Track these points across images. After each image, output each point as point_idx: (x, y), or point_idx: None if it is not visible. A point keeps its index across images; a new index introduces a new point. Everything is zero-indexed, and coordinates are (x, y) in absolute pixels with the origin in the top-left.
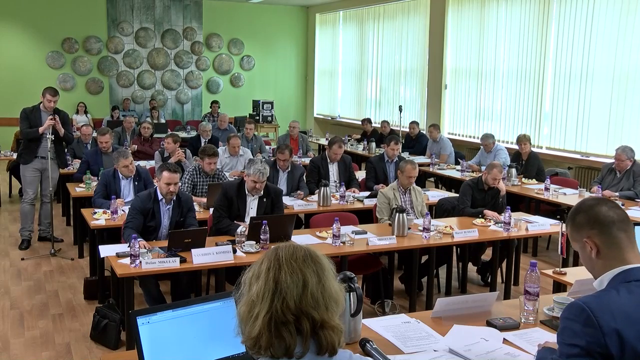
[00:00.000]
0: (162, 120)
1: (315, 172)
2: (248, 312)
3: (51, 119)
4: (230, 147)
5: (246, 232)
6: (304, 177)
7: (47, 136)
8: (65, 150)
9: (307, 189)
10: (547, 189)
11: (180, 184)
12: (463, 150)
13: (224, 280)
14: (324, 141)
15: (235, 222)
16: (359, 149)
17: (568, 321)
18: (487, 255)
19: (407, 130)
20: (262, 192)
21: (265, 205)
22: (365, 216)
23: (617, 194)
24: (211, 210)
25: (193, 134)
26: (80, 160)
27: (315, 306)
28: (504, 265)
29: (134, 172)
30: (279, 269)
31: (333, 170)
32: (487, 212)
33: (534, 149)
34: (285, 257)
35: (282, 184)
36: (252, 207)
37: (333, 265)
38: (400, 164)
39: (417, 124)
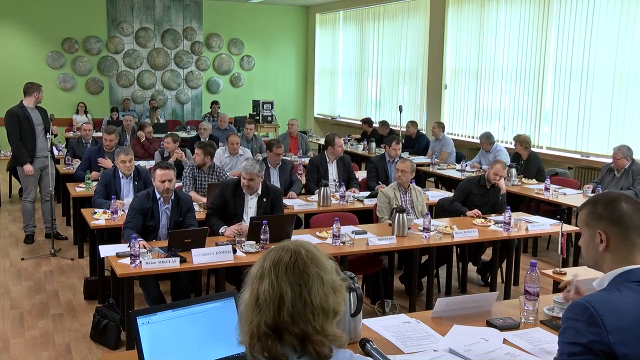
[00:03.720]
0: (162, 120)
1: (314, 170)
2: (240, 319)
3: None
4: (229, 144)
5: (226, 232)
6: (305, 175)
7: (48, 136)
8: (65, 149)
9: (299, 182)
10: (547, 189)
11: (180, 183)
12: (463, 150)
13: (224, 280)
14: (323, 141)
15: (221, 222)
16: (359, 149)
17: (571, 321)
18: (487, 255)
19: (406, 131)
20: (259, 192)
21: (265, 205)
22: (365, 216)
23: None
24: None
25: (193, 134)
26: (79, 160)
27: (292, 322)
28: (504, 265)
29: (131, 170)
30: (261, 281)
31: (332, 169)
32: (468, 212)
33: (534, 149)
34: (269, 267)
35: (275, 181)
36: (250, 207)
37: (335, 263)
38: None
39: (415, 124)
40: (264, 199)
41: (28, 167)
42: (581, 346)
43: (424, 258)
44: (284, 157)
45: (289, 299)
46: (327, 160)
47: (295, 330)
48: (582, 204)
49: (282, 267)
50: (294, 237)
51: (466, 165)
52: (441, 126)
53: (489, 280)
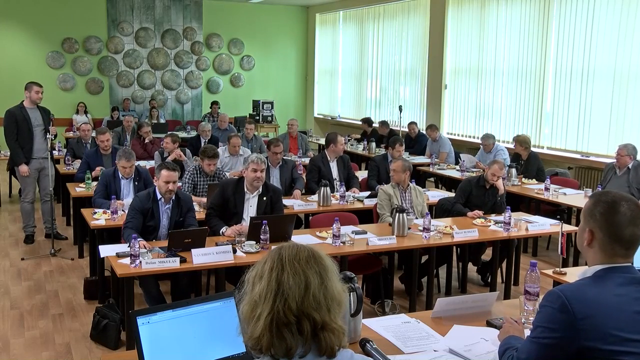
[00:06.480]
0: (162, 120)
1: (315, 170)
2: (250, 312)
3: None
4: (231, 146)
5: (227, 232)
6: (305, 175)
7: (48, 136)
8: (65, 149)
9: (302, 178)
10: (547, 189)
11: (180, 183)
12: (463, 150)
13: (224, 280)
14: (324, 141)
15: (222, 222)
16: (359, 149)
17: (545, 307)
18: (487, 255)
19: (407, 130)
20: (261, 190)
21: (265, 204)
22: (365, 216)
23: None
24: None
25: (193, 134)
26: (80, 160)
27: (316, 307)
28: (504, 265)
29: (131, 175)
30: (282, 270)
31: (334, 168)
32: (469, 213)
33: (535, 149)
34: (288, 258)
35: (275, 180)
36: (251, 205)
37: (337, 265)
38: None
39: (416, 124)
40: (264, 198)
41: (23, 168)
42: (551, 330)
43: (424, 258)
44: (284, 157)
45: (314, 285)
46: (328, 159)
47: (316, 317)
48: (591, 194)
49: (303, 257)
50: (294, 237)
51: (466, 165)
52: (433, 128)
53: (489, 280)
